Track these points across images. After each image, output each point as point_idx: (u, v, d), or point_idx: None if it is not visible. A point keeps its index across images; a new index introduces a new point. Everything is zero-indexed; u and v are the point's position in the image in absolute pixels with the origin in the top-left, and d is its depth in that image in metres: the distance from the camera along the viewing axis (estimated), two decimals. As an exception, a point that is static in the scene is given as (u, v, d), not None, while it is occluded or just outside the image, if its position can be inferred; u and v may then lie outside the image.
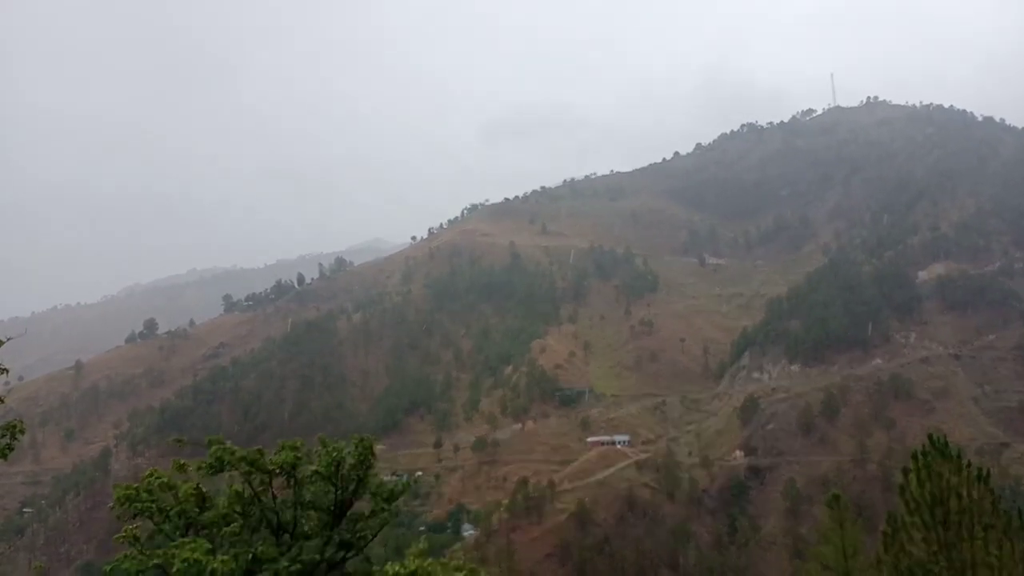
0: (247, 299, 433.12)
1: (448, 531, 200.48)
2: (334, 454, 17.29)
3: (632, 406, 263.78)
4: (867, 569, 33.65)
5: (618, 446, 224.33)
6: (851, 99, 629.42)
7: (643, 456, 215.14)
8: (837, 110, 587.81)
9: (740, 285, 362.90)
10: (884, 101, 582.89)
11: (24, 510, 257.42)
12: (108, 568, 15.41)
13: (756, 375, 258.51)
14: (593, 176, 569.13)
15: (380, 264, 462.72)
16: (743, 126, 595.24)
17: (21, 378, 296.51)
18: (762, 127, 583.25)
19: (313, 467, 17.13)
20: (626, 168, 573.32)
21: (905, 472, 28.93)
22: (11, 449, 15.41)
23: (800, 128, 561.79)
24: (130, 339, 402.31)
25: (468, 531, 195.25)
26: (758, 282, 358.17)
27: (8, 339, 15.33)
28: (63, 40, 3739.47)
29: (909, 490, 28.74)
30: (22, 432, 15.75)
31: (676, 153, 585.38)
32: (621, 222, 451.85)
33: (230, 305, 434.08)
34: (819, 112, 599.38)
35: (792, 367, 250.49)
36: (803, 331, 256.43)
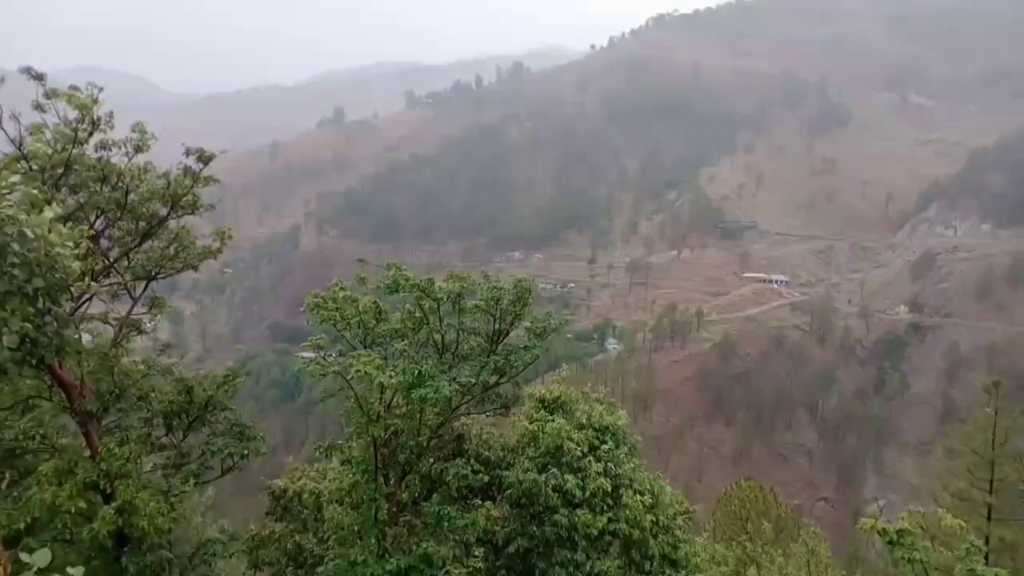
0: (428, 96, 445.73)
1: (593, 342, 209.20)
2: (495, 291, 18.65)
3: (797, 246, 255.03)
4: (1013, 460, 33.17)
5: (774, 285, 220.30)
6: None
7: (799, 298, 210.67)
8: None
9: (943, 130, 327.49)
10: None
11: (224, 270, 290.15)
12: (297, 369, 18.24)
13: (940, 230, 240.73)
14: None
15: (556, 72, 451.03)
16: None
17: (224, 151, 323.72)
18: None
19: (475, 301, 18.62)
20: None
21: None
22: (220, 251, 17.84)
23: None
24: (321, 124, 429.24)
25: (612, 345, 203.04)
26: (964, 130, 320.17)
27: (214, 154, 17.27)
28: None
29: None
30: (230, 238, 18.21)
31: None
32: (820, 48, 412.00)
33: (412, 101, 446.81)
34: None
35: (983, 226, 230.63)
36: (1004, 188, 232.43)
